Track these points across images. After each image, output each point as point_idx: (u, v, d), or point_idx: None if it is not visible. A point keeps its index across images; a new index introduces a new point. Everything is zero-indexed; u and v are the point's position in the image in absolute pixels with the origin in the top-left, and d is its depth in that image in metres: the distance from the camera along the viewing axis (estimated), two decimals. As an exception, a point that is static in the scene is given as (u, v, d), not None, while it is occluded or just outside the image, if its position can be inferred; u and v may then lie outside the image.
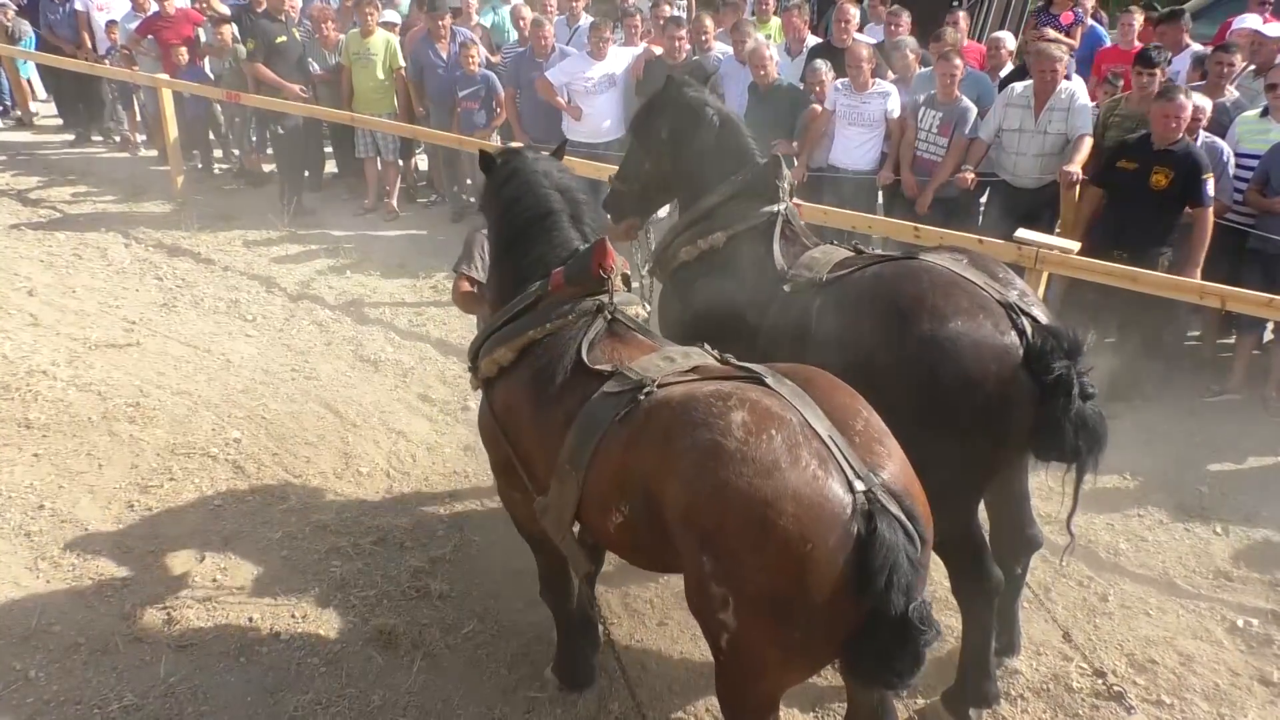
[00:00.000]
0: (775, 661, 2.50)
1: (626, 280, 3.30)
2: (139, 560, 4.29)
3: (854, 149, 6.64)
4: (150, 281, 7.45)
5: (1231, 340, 6.14)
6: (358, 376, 6.05)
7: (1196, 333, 6.43)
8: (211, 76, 9.54)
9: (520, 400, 3.14)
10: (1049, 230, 5.70)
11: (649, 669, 3.76)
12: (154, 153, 10.70)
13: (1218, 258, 5.55)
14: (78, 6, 10.58)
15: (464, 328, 6.78)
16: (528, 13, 8.49)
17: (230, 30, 9.37)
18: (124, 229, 8.52)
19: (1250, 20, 6.76)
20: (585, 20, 8.35)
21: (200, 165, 10.20)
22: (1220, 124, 5.92)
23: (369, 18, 8.34)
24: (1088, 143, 5.89)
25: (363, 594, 4.13)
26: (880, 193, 6.94)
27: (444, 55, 8.28)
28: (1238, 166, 5.73)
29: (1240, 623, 4.08)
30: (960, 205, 6.41)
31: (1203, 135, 5.52)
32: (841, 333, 3.25)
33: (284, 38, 8.70)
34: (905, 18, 7.44)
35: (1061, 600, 4.16)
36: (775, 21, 8.31)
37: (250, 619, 3.97)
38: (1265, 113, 5.76)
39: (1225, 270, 5.51)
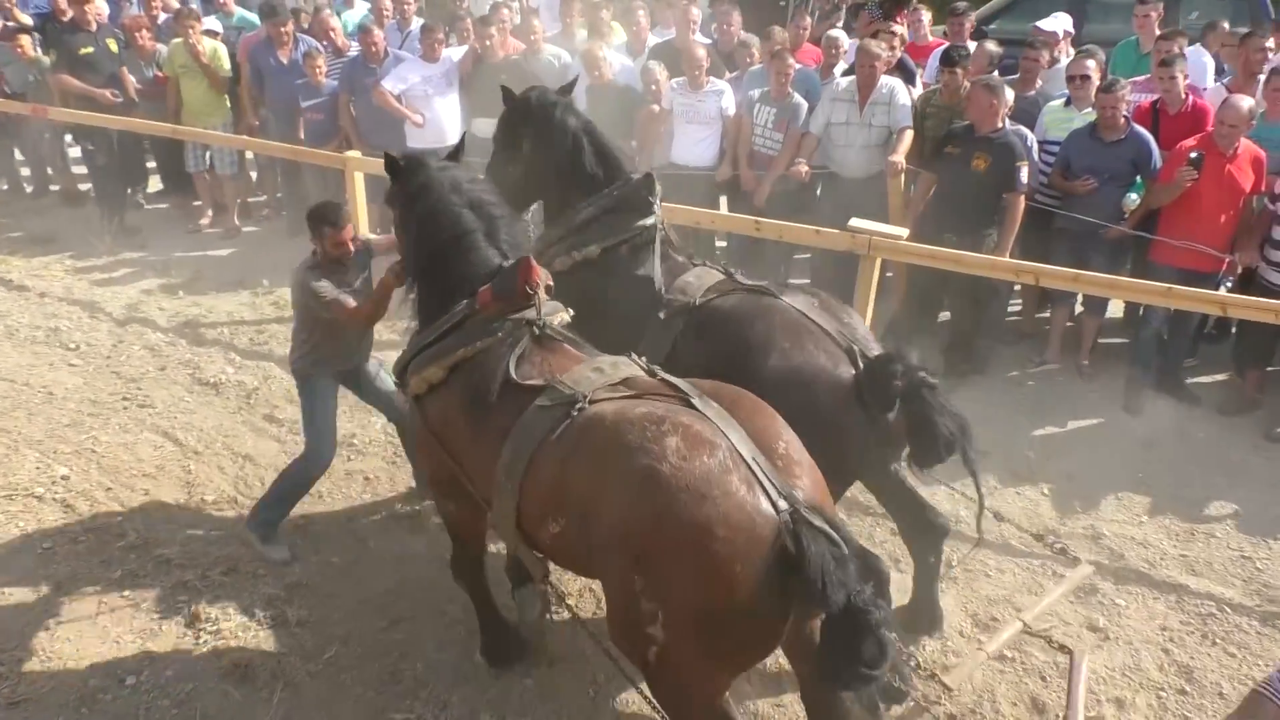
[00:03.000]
0: (706, 668, 2.62)
1: (550, 291, 3.37)
2: (-42, 616, 3.96)
3: (693, 146, 6.78)
4: (-45, 314, 6.88)
5: (1048, 314, 6.62)
6: (197, 401, 5.76)
7: (1018, 308, 6.90)
8: (10, 90, 8.83)
9: (456, 417, 3.19)
10: (879, 218, 5.98)
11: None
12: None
13: (1030, 237, 5.97)
14: None
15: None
16: (335, 22, 8.27)
17: (29, 41, 8.71)
18: (-80, 258, 7.83)
19: (1060, 20, 7.23)
20: (416, 24, 8.20)
21: (5, 186, 9.46)
22: (1030, 114, 6.35)
23: (190, 31, 7.93)
24: (909, 135, 6.22)
25: (214, 628, 3.95)
26: (723, 188, 7.11)
27: (284, 61, 7.95)
28: (1044, 153, 6.17)
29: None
30: (798, 198, 6.64)
31: (1008, 124, 5.91)
32: (700, 359, 3.49)
33: (91, 48, 8.16)
34: (736, 16, 7.65)
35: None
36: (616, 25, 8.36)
37: (91, 665, 3.73)
38: (1069, 102, 6.22)
39: (1038, 249, 5.95)
